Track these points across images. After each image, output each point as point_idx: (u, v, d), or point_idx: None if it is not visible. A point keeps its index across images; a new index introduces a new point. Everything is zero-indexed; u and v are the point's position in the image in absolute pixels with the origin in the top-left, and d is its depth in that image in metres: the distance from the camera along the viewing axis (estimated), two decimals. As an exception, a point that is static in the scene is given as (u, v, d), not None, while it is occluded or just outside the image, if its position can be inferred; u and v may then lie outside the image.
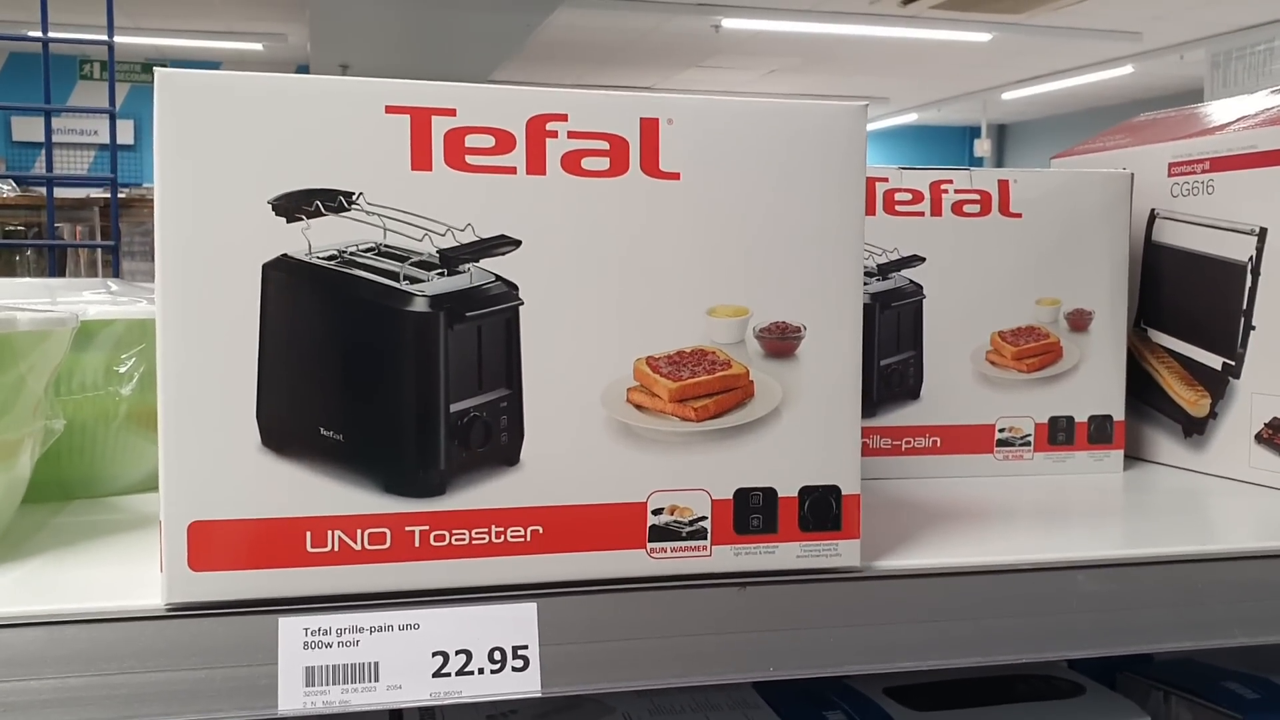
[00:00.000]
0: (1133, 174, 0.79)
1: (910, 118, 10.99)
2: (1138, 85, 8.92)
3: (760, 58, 8.01)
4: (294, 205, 0.46)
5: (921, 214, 0.76)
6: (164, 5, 7.08)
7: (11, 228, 0.89)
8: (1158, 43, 7.31)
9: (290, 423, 0.47)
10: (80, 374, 0.65)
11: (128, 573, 0.52)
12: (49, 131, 0.93)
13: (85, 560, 0.54)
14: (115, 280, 0.82)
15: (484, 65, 6.63)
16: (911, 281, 0.76)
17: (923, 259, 0.77)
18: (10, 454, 0.54)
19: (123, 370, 0.66)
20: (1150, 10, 6.45)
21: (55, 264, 0.88)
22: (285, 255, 0.46)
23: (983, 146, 11.01)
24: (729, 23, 6.73)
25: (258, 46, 8.29)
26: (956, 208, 0.77)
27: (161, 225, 0.45)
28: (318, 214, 0.47)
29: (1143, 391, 0.83)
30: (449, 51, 6.07)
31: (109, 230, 0.98)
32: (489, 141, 0.48)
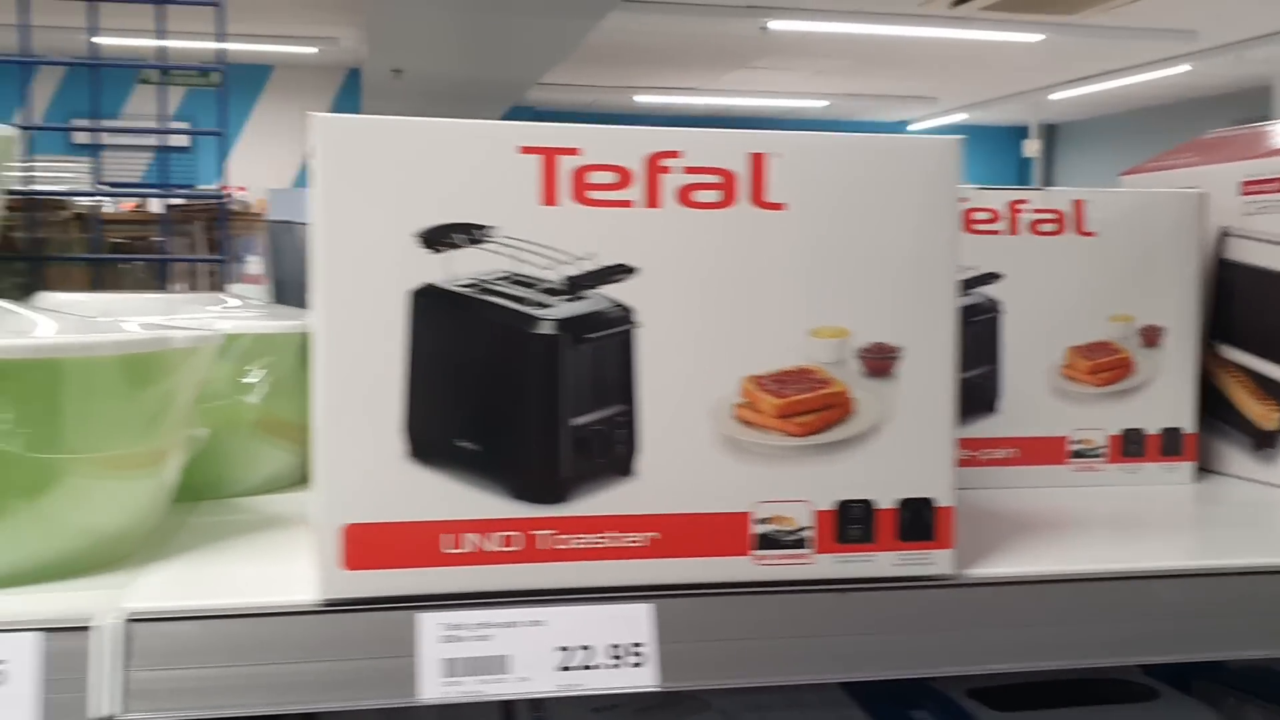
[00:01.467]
0: (1205, 194, 0.81)
1: (958, 118, 10.93)
2: (1191, 84, 8.81)
3: (807, 59, 8.01)
4: (437, 238, 0.51)
5: (999, 232, 0.79)
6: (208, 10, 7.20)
7: (116, 241, 0.93)
8: (1214, 41, 7.22)
9: (432, 434, 0.51)
10: (210, 384, 0.70)
11: (272, 570, 0.56)
12: (165, 151, 0.98)
13: (228, 558, 0.59)
14: (227, 294, 0.87)
15: (535, 68, 6.69)
16: (989, 298, 0.79)
17: (1000, 276, 0.80)
18: (161, 461, 0.59)
19: (249, 381, 0.71)
20: (1207, 9, 6.38)
21: (166, 277, 0.93)
22: (430, 284, 0.51)
23: (1031, 147, 10.92)
24: (775, 24, 6.74)
25: (312, 50, 8.42)
26: (1033, 226, 0.80)
27: (321, 256, 0.50)
28: (458, 246, 0.51)
29: (1214, 406, 0.85)
30: (501, 56, 6.14)
31: (211, 242, 1.03)
32: (610, 178, 0.52)
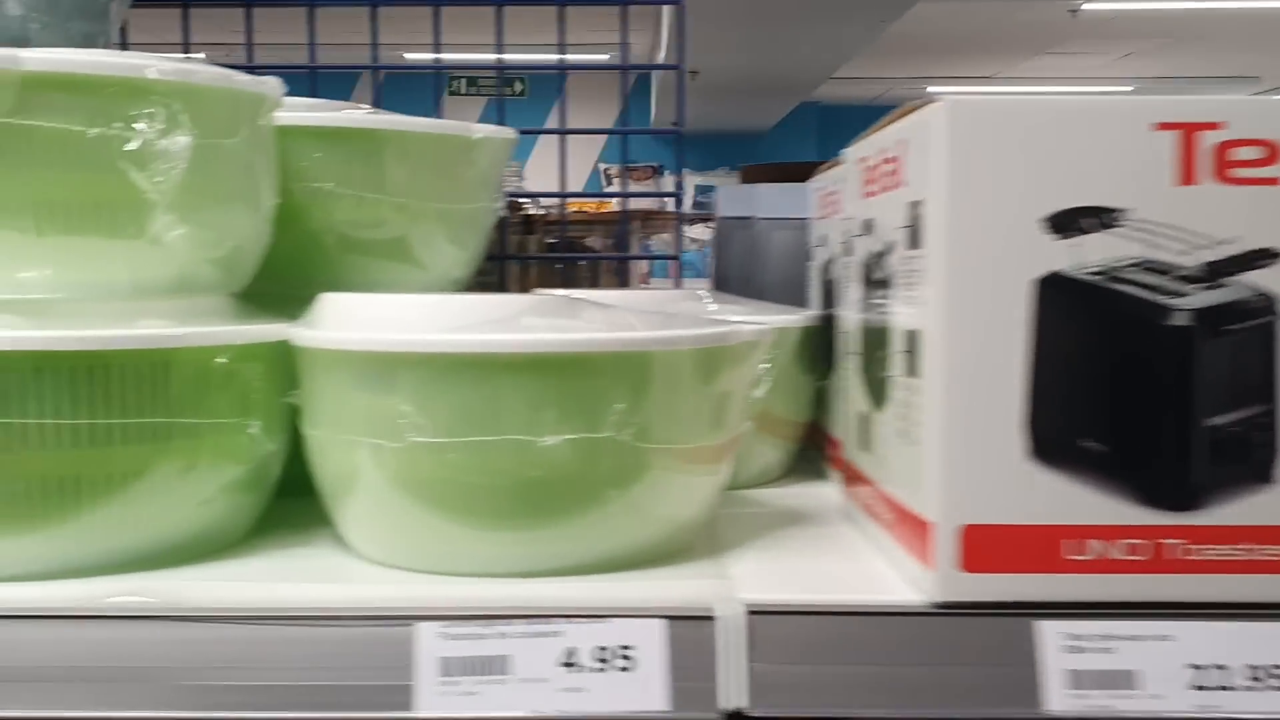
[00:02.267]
0: None
1: (1285, 97, 9.97)
2: None
3: (1117, 41, 7.52)
4: (1065, 223, 0.48)
5: None
6: (514, 20, 7.54)
7: (551, 241, 0.98)
8: None
9: (1055, 433, 0.48)
10: (722, 378, 0.70)
11: (846, 567, 0.56)
12: (626, 157, 1.02)
13: (792, 552, 0.58)
14: (692, 290, 0.88)
15: (828, 65, 6.62)
16: None
17: None
18: (722, 457, 0.59)
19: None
20: None
21: (622, 276, 0.97)
22: (1056, 271, 0.48)
23: (1374, 125, 9.78)
24: (1088, 6, 6.36)
25: (604, 57, 8.69)
26: None
27: (941, 244, 0.48)
28: (1086, 231, 0.48)
29: None
30: (796, 55, 6.12)
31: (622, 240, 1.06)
32: (1257, 153, 0.48)
